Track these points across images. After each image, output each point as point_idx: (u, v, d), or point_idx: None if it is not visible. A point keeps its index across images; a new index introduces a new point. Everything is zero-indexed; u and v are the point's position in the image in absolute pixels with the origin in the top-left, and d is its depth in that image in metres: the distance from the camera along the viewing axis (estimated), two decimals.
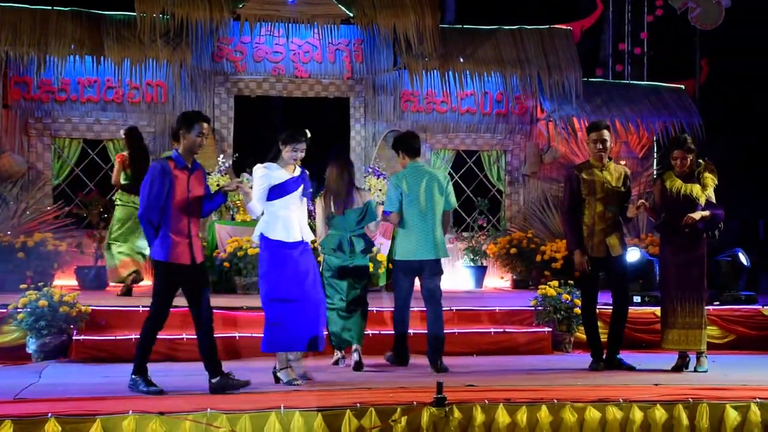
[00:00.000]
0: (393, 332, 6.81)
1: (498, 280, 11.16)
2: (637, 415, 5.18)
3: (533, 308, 7.83)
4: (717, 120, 11.78)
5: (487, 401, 5.09)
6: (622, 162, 10.10)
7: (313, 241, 6.34)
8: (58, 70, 10.51)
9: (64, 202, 10.54)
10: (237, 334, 7.07)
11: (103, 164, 10.99)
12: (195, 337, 6.91)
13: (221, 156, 10.54)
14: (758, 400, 5.32)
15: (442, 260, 6.70)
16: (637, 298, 8.26)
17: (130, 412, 4.70)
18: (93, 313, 7.20)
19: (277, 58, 11.23)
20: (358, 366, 6.39)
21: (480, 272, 10.82)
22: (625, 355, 6.85)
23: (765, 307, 8.21)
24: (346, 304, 6.59)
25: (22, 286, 7.47)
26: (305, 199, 5.90)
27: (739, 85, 12.36)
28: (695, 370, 6.59)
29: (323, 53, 11.27)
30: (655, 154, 11.60)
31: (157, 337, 6.90)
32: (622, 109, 11.46)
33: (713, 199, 6.64)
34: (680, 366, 6.64)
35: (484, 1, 13.69)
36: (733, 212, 8.28)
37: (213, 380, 5.45)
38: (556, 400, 5.16)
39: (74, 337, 6.93)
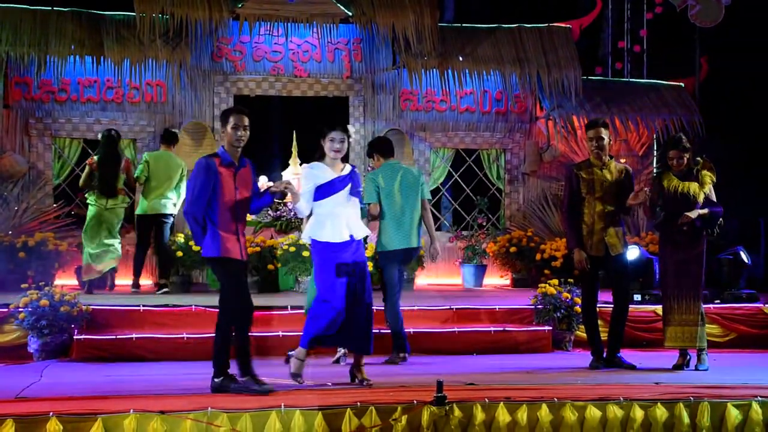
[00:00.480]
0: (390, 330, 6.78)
1: (498, 278, 11.15)
2: (638, 413, 5.17)
3: (533, 307, 7.83)
4: (717, 118, 11.77)
5: (487, 400, 5.08)
6: (622, 160, 10.09)
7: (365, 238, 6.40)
8: (58, 70, 10.50)
9: (64, 201, 10.54)
10: None
11: None
12: (195, 336, 7.01)
13: None
14: (759, 398, 5.31)
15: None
16: (637, 297, 8.26)
17: (131, 411, 4.70)
18: (94, 312, 7.19)
19: (277, 57, 11.22)
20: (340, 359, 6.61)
21: (480, 271, 10.81)
22: (626, 354, 6.85)
23: (766, 306, 8.20)
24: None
25: (23, 285, 7.48)
26: (355, 198, 5.73)
27: (739, 83, 12.35)
28: (696, 368, 6.58)
29: (322, 52, 11.27)
30: (655, 152, 11.58)
31: (159, 336, 7.00)
32: (621, 107, 11.45)
33: (712, 197, 6.64)
34: (681, 364, 6.65)
35: (482, 0, 13.69)
36: (734, 211, 8.28)
37: (257, 384, 5.33)
38: (556, 399, 5.15)
39: (75, 337, 6.94)
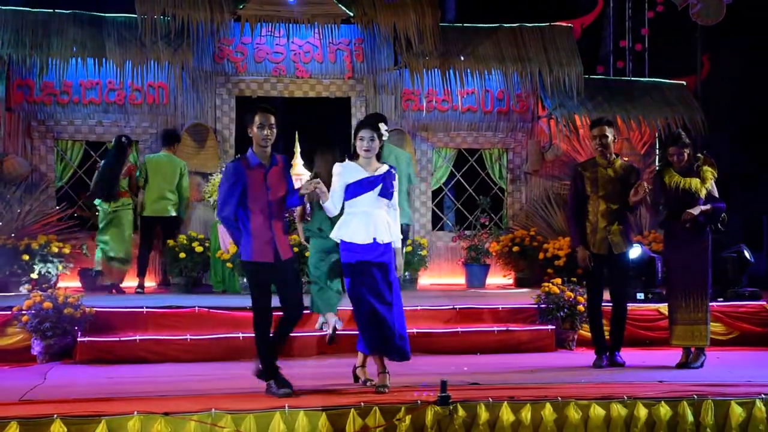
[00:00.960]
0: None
1: (501, 278, 11.14)
2: (642, 412, 5.17)
3: (536, 306, 7.82)
4: (719, 116, 11.76)
5: (491, 399, 5.09)
6: (625, 159, 10.08)
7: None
8: (60, 72, 10.51)
9: (67, 204, 10.53)
10: (240, 335, 7.07)
11: None
12: (198, 337, 7.02)
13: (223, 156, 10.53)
14: (763, 396, 5.31)
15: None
16: (640, 295, 8.26)
17: (135, 412, 4.70)
18: (97, 314, 7.20)
19: (278, 58, 11.22)
20: (332, 339, 6.78)
21: (483, 270, 10.81)
22: (630, 353, 6.85)
23: None
24: (326, 276, 6.90)
25: (27, 288, 7.48)
26: (386, 199, 5.51)
27: (741, 81, 12.33)
28: (689, 366, 6.55)
29: (324, 53, 11.26)
30: (657, 150, 11.58)
31: (162, 337, 7.00)
32: (623, 105, 11.43)
33: (714, 193, 6.64)
34: (684, 363, 6.64)
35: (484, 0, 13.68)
36: (737, 208, 8.27)
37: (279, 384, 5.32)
38: (560, 398, 5.16)
39: (79, 339, 6.95)
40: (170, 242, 9.52)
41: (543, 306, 7.74)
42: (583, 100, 11.27)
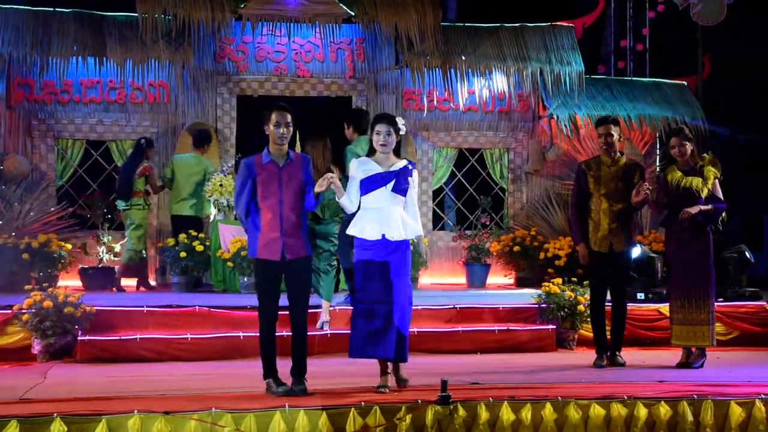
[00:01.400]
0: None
1: (501, 277, 11.15)
2: (642, 411, 5.17)
3: (537, 306, 7.82)
4: (720, 115, 11.75)
5: (491, 399, 5.08)
6: (631, 158, 10.08)
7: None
8: (60, 71, 10.52)
9: (67, 203, 10.52)
10: (241, 334, 7.07)
11: (106, 165, 11.00)
12: (199, 336, 7.02)
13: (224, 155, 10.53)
14: (763, 396, 5.31)
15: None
16: (640, 295, 8.26)
17: (135, 411, 4.70)
18: (97, 313, 7.20)
19: (279, 57, 11.23)
20: (323, 325, 7.03)
21: (483, 270, 10.81)
22: (630, 353, 6.86)
23: None
24: (320, 263, 7.18)
25: (27, 287, 7.49)
26: (400, 196, 5.43)
27: (741, 81, 12.33)
28: (689, 366, 6.56)
29: (325, 52, 11.27)
30: (658, 150, 11.58)
31: (163, 337, 7.01)
32: (624, 105, 11.44)
33: (717, 193, 6.61)
34: (685, 363, 6.64)
35: None
36: (737, 208, 8.27)
37: (295, 387, 5.29)
38: (560, 398, 5.16)
39: (79, 338, 6.94)
40: (170, 241, 9.54)
41: (543, 306, 7.75)
42: (584, 100, 11.29)
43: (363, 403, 4.96)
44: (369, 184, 5.39)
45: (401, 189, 5.43)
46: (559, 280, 7.87)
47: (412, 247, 5.71)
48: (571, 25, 11.65)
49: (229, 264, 9.09)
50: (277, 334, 5.39)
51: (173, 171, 9.84)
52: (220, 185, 9.50)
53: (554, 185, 11.35)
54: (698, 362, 6.61)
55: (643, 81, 11.99)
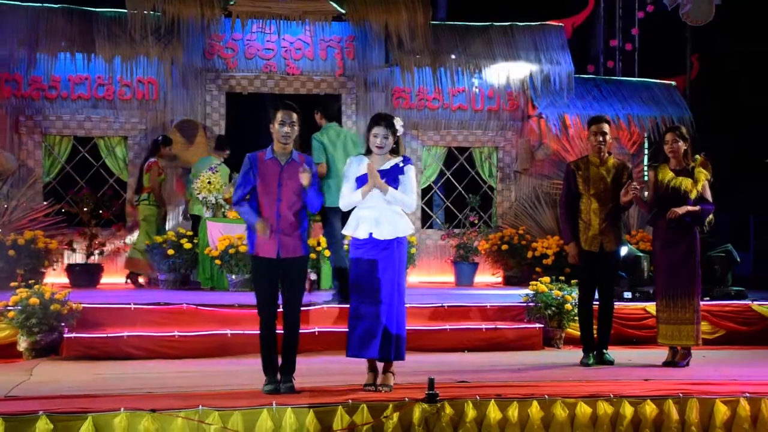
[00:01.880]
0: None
1: (489, 276, 11.18)
2: (628, 410, 5.19)
3: (525, 304, 7.83)
4: (707, 115, 11.81)
5: (478, 397, 5.09)
6: (619, 158, 10.11)
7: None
8: (48, 67, 10.47)
9: (54, 199, 10.48)
10: (229, 332, 7.04)
11: (93, 162, 10.96)
12: (186, 334, 7.00)
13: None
14: (747, 394, 5.34)
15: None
16: (627, 294, 8.29)
17: (122, 409, 4.68)
18: (84, 310, 7.17)
19: (269, 55, 11.20)
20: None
21: (471, 269, 10.84)
22: (616, 351, 6.87)
23: (755, 303, 8.24)
24: None
25: (13, 283, 7.44)
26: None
27: (729, 81, 12.39)
28: (675, 365, 6.58)
29: (315, 50, 11.26)
30: (646, 150, 11.63)
31: (150, 334, 6.97)
32: (613, 105, 11.50)
33: (707, 195, 6.63)
34: (671, 361, 6.67)
35: None
36: (724, 208, 8.30)
37: (283, 386, 5.30)
38: (547, 396, 5.17)
39: (65, 335, 6.89)
40: (158, 239, 9.51)
41: (531, 304, 7.75)
42: (573, 100, 11.34)
43: (350, 401, 4.95)
44: (360, 184, 5.40)
45: (389, 186, 5.41)
46: (547, 279, 7.87)
47: (408, 240, 5.71)
48: (560, 24, 11.68)
49: (217, 262, 9.07)
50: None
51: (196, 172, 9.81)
52: (209, 183, 9.47)
53: (543, 184, 11.37)
54: (684, 361, 6.63)
55: (632, 81, 12.03)
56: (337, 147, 7.52)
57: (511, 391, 5.27)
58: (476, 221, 11.21)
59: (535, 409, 5.09)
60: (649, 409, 5.21)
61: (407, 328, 7.16)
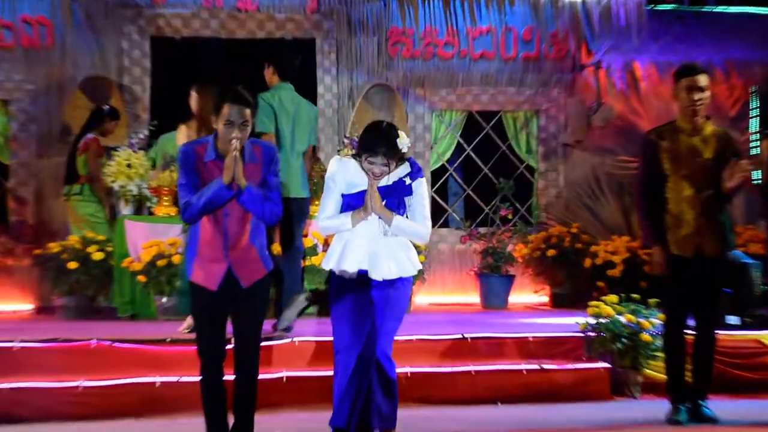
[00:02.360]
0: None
1: (530, 294, 11.20)
2: None
3: (582, 335, 7.74)
4: None
5: None
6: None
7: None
8: None
9: None
10: (158, 379, 6.97)
11: None
12: (97, 384, 6.85)
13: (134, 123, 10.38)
14: None
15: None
16: (733, 319, 8.23)
17: None
18: None
19: None
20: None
21: (504, 284, 10.82)
22: (720, 402, 6.80)
23: None
24: None
25: None
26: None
27: None
28: None
29: None
30: (754, 110, 11.53)
31: (44, 385, 6.80)
32: (703, 46, 11.48)
33: None
34: None
35: None
36: None
37: None
38: None
39: None
40: (52, 246, 9.46)
41: (592, 335, 7.66)
42: (646, 41, 11.31)
43: None
44: (353, 203, 5.43)
45: (397, 208, 5.47)
46: (614, 298, 7.79)
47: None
48: None
49: (141, 278, 8.98)
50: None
51: (158, 154, 9.70)
52: (128, 166, 9.36)
53: (604, 162, 11.41)
54: None
55: (730, 12, 11.97)
56: (289, 116, 7.66)
57: None
58: (510, 216, 11.19)
59: None
60: None
61: (414, 369, 7.11)
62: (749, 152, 10.76)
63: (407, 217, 5.49)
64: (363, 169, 5.43)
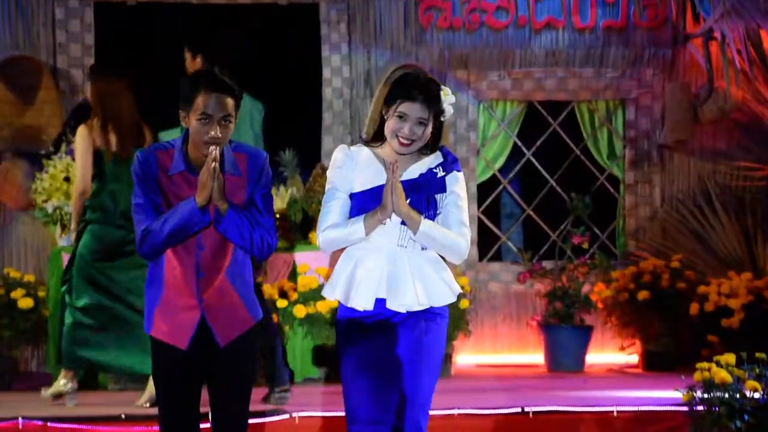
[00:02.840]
0: None
1: (614, 352, 11.28)
2: None
3: (687, 409, 7.72)
4: None
5: None
6: None
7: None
8: None
9: None
10: None
11: None
12: None
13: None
14: None
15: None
16: None
17: None
18: None
19: None
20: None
21: (579, 338, 10.90)
22: None
23: None
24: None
25: None
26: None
27: None
28: None
29: None
30: None
31: None
32: None
33: None
34: None
35: None
36: None
37: None
38: None
39: None
40: None
41: (700, 408, 7.65)
42: None
43: None
44: (367, 203, 5.31)
45: (430, 214, 5.33)
46: (731, 358, 7.77)
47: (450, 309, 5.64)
48: None
49: None
50: None
51: None
52: (66, 179, 9.46)
53: (717, 170, 11.46)
54: None
55: None
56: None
57: None
58: (586, 245, 11.18)
59: None
60: None
61: None
62: None
63: (438, 223, 5.30)
64: (378, 159, 5.32)
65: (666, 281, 10.72)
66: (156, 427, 5.63)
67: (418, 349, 5.29)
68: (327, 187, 5.36)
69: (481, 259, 11.71)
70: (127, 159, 7.99)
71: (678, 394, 7.83)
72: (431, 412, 5.63)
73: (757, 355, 7.80)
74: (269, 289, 9.26)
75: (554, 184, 11.84)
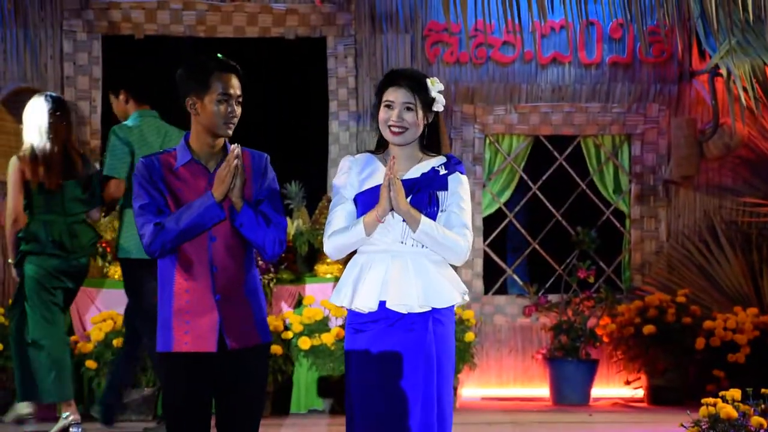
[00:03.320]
0: None
1: (620, 387, 11.25)
2: None
3: None
4: None
5: None
6: None
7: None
8: None
9: None
10: None
11: None
12: None
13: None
14: None
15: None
16: None
17: None
18: None
19: None
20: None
21: (584, 372, 10.89)
22: None
23: None
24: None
25: None
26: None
27: None
28: None
29: None
30: None
31: None
32: None
33: None
34: None
35: None
36: None
37: None
38: None
39: None
40: None
41: None
42: None
43: None
44: (368, 202, 5.28)
45: (430, 210, 5.29)
46: (737, 393, 7.72)
47: (457, 315, 5.57)
48: None
49: (90, 364, 9.04)
50: None
51: None
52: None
53: (723, 206, 11.49)
54: None
55: None
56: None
57: None
58: (592, 279, 11.19)
59: None
60: None
61: None
62: None
63: (441, 224, 5.27)
64: (381, 162, 5.32)
65: (672, 316, 10.72)
66: None
67: (417, 338, 5.24)
68: (333, 194, 5.39)
69: (486, 292, 11.73)
70: (56, 189, 8.24)
71: (683, 429, 7.81)
72: None
73: (763, 390, 7.76)
74: (274, 321, 9.22)
75: (560, 218, 11.84)
